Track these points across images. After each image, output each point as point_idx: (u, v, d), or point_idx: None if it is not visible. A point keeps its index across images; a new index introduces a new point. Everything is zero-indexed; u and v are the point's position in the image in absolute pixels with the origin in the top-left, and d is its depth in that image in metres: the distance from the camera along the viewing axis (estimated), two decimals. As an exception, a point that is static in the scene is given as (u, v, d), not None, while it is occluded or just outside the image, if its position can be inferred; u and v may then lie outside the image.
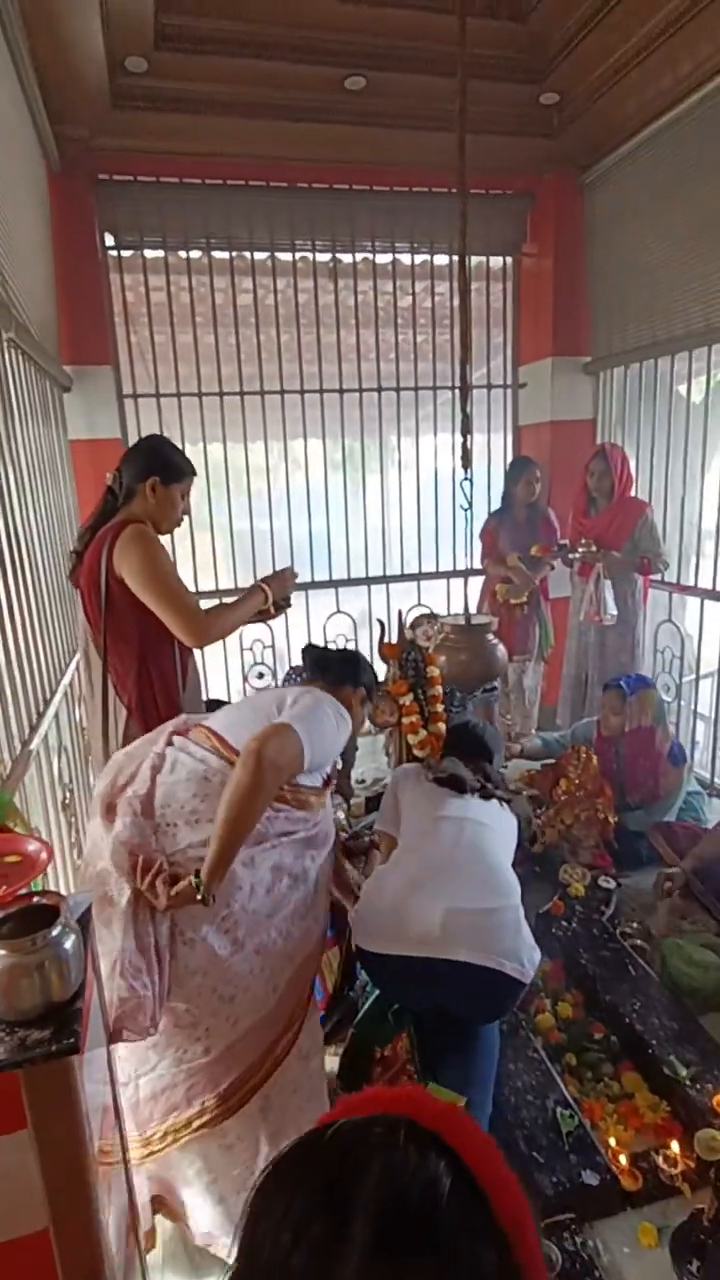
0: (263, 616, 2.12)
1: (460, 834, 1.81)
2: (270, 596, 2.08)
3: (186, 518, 2.10)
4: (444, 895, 1.64)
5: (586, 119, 3.35)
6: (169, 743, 1.61)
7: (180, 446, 2.15)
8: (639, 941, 2.36)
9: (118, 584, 1.89)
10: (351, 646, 4.14)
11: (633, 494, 3.50)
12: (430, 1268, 0.39)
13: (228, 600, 2.07)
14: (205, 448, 3.79)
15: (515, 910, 1.66)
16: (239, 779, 1.40)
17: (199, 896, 1.36)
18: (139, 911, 1.39)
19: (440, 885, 1.67)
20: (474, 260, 3.83)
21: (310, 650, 1.93)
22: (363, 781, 3.42)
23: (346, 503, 4.09)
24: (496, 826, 1.88)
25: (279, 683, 3.58)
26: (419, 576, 4.32)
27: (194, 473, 2.07)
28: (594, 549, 3.37)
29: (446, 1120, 0.46)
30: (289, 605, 2.20)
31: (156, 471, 1.98)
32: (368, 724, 2.98)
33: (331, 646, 2.19)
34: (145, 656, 1.96)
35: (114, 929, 1.38)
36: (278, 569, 2.21)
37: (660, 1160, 1.69)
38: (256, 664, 4.00)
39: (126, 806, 1.48)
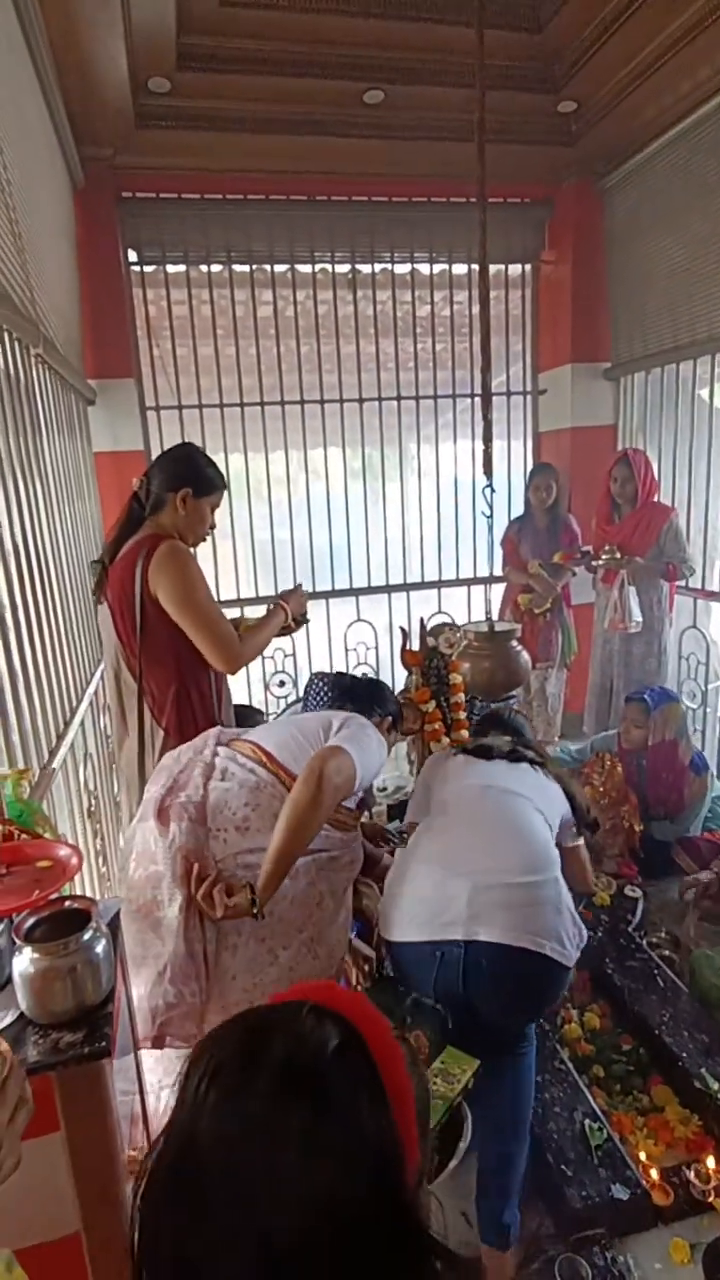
0: (283, 632, 2.13)
1: (483, 801, 1.68)
2: (290, 614, 2.09)
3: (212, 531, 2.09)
4: (470, 870, 1.51)
5: (604, 126, 3.36)
6: (215, 752, 1.63)
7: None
8: (666, 952, 2.32)
9: (153, 603, 1.84)
10: (373, 655, 4.15)
11: (657, 499, 3.47)
12: (316, 1107, 0.50)
13: (250, 615, 2.09)
14: (227, 458, 3.82)
15: (554, 885, 1.51)
16: (301, 796, 1.41)
17: (254, 911, 1.37)
18: (189, 918, 1.40)
19: (466, 859, 1.55)
20: (493, 268, 3.84)
21: (339, 679, 1.98)
22: (384, 789, 3.41)
23: (366, 511, 4.11)
24: (530, 795, 1.71)
25: (300, 690, 3.59)
26: (439, 584, 4.32)
27: (226, 486, 2.05)
28: (618, 555, 3.35)
29: (350, 1004, 0.58)
30: (307, 621, 2.22)
31: (189, 483, 1.93)
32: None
33: (359, 674, 2.31)
34: (184, 677, 1.91)
35: (162, 933, 1.39)
36: (291, 587, 2.22)
37: (692, 1175, 1.66)
38: (278, 672, 4.02)
39: (181, 812, 1.49)
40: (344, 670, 3.08)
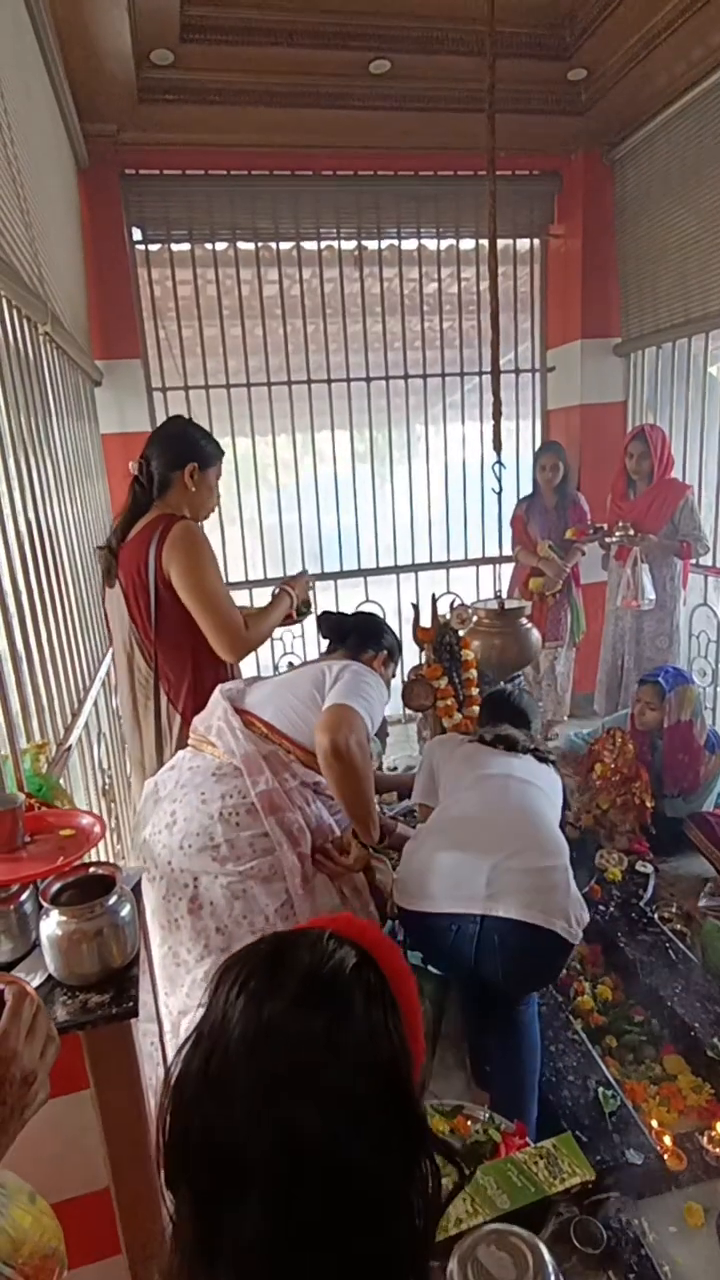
0: (286, 622, 2.14)
1: (506, 791, 1.77)
2: (295, 599, 2.10)
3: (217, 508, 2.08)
4: (491, 852, 1.61)
5: (615, 95, 3.29)
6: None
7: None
8: (678, 926, 2.34)
9: (166, 586, 1.83)
10: (298, 646, 4.10)
11: (673, 476, 3.44)
12: (336, 1013, 0.57)
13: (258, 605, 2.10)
14: (234, 441, 3.81)
15: (565, 871, 1.62)
16: (338, 777, 1.52)
17: (373, 850, 1.62)
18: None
19: (487, 842, 1.64)
20: (501, 243, 3.79)
21: (326, 618, 1.93)
22: (394, 769, 3.42)
23: (375, 491, 4.09)
24: (544, 786, 1.83)
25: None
26: (448, 564, 4.31)
27: (223, 453, 2.04)
28: (631, 532, 3.33)
29: (366, 931, 0.65)
30: (309, 611, 2.20)
31: (194, 457, 1.91)
32: (401, 710, 2.99)
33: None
34: (200, 664, 1.91)
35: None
36: (294, 573, 2.23)
37: (705, 1141, 1.69)
38: (287, 654, 4.03)
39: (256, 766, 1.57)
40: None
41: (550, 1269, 0.90)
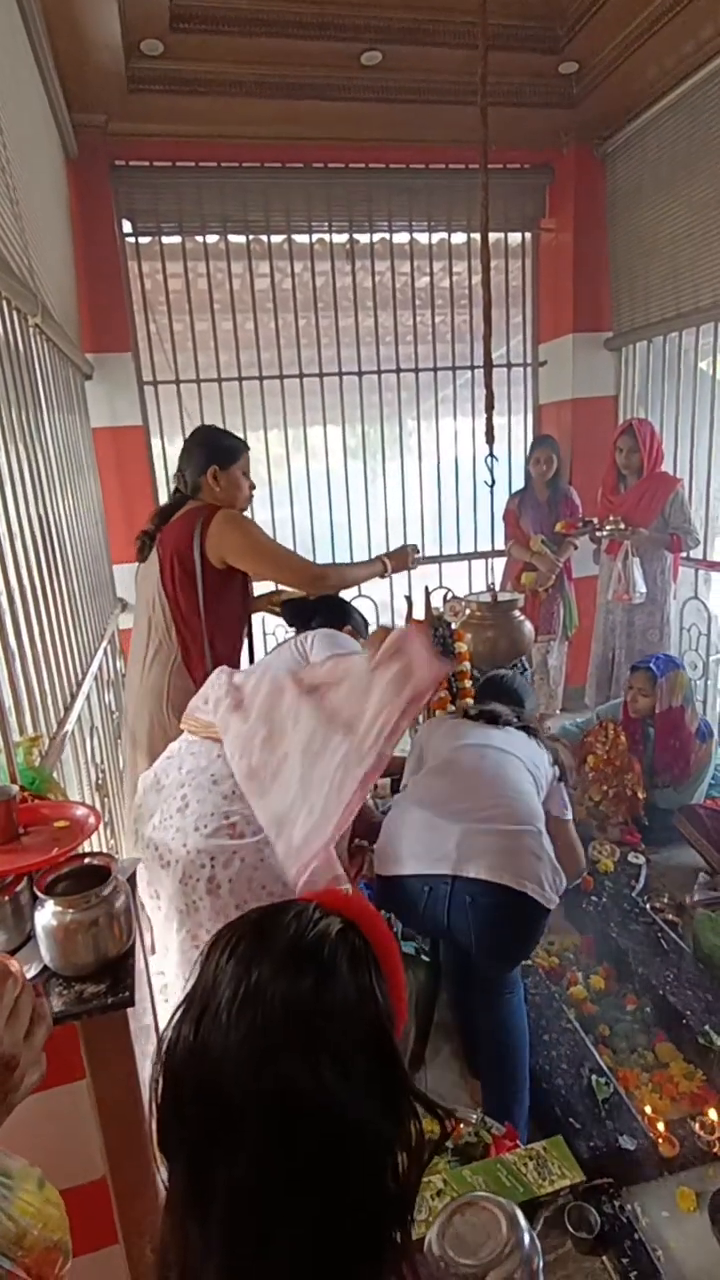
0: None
1: (481, 759, 1.78)
2: (390, 568, 2.22)
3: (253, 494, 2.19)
4: (460, 816, 1.63)
5: (606, 88, 3.29)
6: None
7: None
8: (670, 916, 2.36)
9: (208, 567, 1.99)
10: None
11: (663, 469, 3.46)
12: (322, 974, 0.59)
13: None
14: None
15: (537, 836, 1.64)
16: (389, 712, 1.38)
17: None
18: None
19: (457, 806, 1.66)
20: (492, 237, 3.79)
21: (289, 605, 2.05)
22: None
23: (367, 486, 4.09)
24: (523, 756, 1.84)
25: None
26: (440, 559, 4.31)
27: (247, 448, 2.15)
28: (622, 526, 3.34)
29: (350, 903, 0.66)
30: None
31: (214, 459, 2.05)
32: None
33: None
34: (214, 640, 2.05)
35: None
36: (400, 545, 2.34)
37: (697, 1127, 1.70)
38: (268, 633, 4.02)
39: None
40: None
41: (524, 1230, 0.91)
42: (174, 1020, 0.59)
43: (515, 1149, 1.49)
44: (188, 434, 2.17)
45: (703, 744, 2.85)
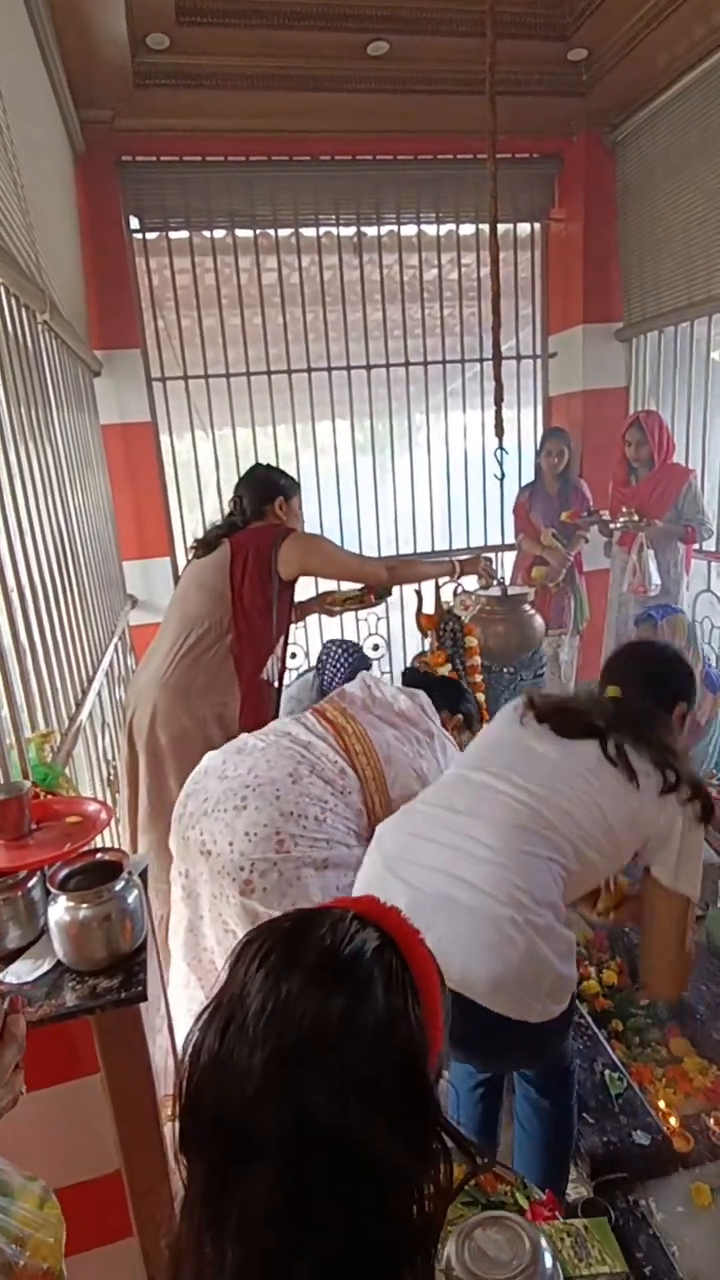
0: (362, 605, 2.44)
1: (477, 801, 1.25)
2: (459, 572, 2.37)
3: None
4: (410, 880, 1.18)
5: (615, 75, 3.25)
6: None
7: (210, 430, 2.37)
8: (684, 910, 2.34)
9: (277, 574, 2.16)
10: (383, 625, 4.13)
11: (674, 461, 3.43)
12: (355, 992, 0.56)
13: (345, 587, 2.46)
14: (234, 432, 3.80)
15: (523, 928, 1.12)
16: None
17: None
18: None
19: (409, 866, 1.21)
20: (501, 228, 3.77)
21: (410, 673, 2.15)
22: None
23: (376, 480, 4.07)
24: (583, 812, 1.26)
25: (310, 661, 3.60)
26: (450, 553, 4.28)
27: (299, 486, 2.41)
28: (635, 518, 3.32)
29: (388, 916, 0.63)
30: (389, 594, 2.46)
31: (279, 493, 2.29)
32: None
33: (418, 668, 2.47)
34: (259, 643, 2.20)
35: None
36: (474, 554, 2.51)
37: (712, 1122, 1.69)
38: (371, 635, 4.03)
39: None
40: (356, 642, 3.08)
41: (546, 1252, 0.89)
42: (199, 1023, 0.57)
43: (553, 1220, 1.29)
44: (245, 469, 2.39)
45: (711, 694, 2.81)
